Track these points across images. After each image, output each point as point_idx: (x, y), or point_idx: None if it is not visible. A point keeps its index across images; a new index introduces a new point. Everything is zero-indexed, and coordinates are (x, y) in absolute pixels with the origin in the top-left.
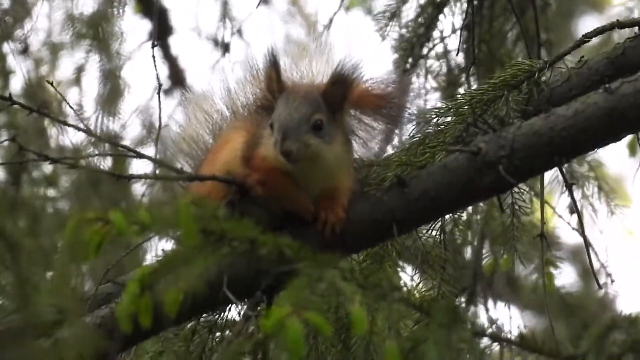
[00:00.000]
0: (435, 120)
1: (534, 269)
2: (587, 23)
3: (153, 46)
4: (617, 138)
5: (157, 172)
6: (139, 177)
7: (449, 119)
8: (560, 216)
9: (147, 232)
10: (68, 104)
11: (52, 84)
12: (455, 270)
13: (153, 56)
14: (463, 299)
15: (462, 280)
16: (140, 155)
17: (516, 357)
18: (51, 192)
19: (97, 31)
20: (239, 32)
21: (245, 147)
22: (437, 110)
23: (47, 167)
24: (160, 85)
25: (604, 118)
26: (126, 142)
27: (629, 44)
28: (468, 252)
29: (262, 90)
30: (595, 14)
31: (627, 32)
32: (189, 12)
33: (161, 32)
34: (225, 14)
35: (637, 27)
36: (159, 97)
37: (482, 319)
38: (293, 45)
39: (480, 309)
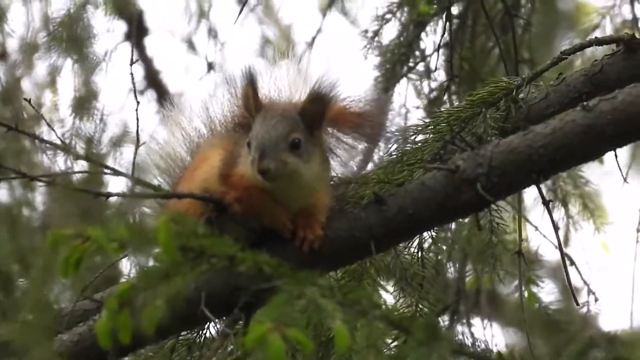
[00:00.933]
0: (413, 137)
1: (515, 286)
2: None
3: (131, 63)
4: (595, 155)
5: (135, 189)
6: (117, 195)
7: (427, 136)
8: (542, 233)
9: (126, 249)
10: (45, 121)
11: (29, 101)
12: (434, 287)
13: (131, 74)
14: (446, 317)
15: (443, 297)
16: (118, 173)
17: None
18: (29, 196)
19: (71, 33)
20: (215, 35)
21: (223, 165)
22: (415, 127)
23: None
24: (138, 103)
25: (582, 135)
26: (101, 145)
27: (607, 61)
28: (450, 270)
29: (240, 108)
30: (576, 34)
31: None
32: (164, 12)
33: (136, 33)
34: (201, 15)
35: (614, 45)
36: (137, 114)
37: (465, 337)
38: (270, 49)
39: (463, 327)
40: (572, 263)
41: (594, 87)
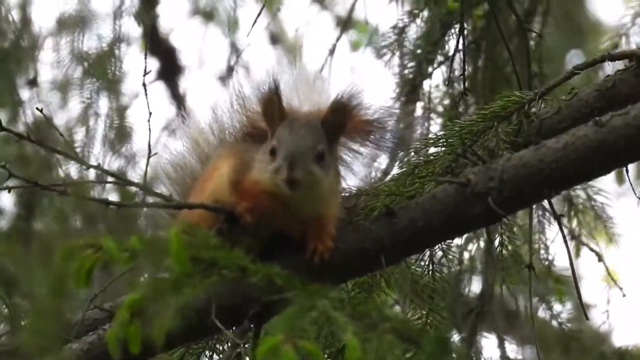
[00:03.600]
0: (425, 150)
1: (536, 301)
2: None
3: (145, 74)
4: (606, 171)
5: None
6: (128, 205)
7: (438, 149)
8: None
9: (138, 259)
10: (61, 134)
11: (41, 110)
12: (445, 300)
13: (145, 70)
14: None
15: (454, 310)
16: (128, 183)
17: None
18: (64, 226)
19: (104, 70)
20: (247, 68)
21: (234, 173)
22: (426, 140)
23: (59, 200)
24: (150, 113)
25: (593, 151)
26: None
27: (619, 76)
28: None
29: (250, 118)
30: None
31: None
32: (197, 51)
33: (169, 71)
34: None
35: (627, 60)
36: (149, 122)
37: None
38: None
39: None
40: (601, 259)
41: (606, 102)
